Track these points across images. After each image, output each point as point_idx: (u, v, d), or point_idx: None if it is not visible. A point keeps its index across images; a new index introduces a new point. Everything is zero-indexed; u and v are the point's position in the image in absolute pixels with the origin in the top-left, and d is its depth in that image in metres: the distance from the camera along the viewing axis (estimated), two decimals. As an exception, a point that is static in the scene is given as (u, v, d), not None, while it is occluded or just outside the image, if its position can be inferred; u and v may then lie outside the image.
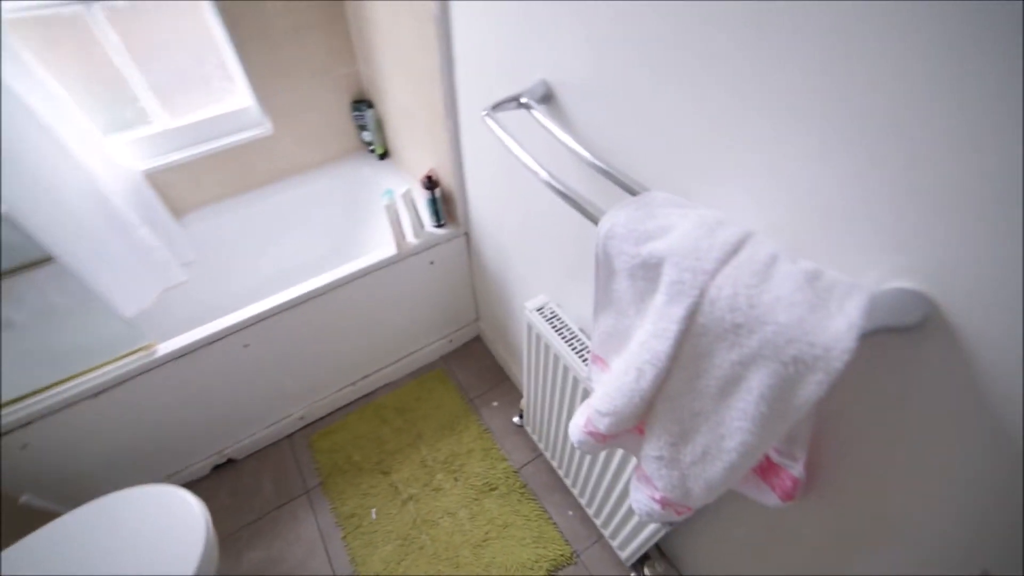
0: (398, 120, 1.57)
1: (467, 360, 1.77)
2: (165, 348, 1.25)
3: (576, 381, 0.97)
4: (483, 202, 1.27)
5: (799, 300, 0.42)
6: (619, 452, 0.97)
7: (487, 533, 1.33)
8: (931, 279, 0.43)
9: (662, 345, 0.50)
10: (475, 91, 1.07)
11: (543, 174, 0.66)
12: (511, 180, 1.07)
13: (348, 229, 1.85)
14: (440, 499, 1.41)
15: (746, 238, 0.48)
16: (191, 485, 1.55)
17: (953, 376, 0.44)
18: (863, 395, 0.52)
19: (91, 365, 1.28)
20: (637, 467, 0.67)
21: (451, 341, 1.78)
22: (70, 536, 1.05)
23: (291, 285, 1.36)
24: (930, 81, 0.37)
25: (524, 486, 1.43)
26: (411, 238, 1.35)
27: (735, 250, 0.47)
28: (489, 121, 0.77)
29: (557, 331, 0.99)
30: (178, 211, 1.64)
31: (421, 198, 1.37)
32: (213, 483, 1.56)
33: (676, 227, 0.51)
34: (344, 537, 1.38)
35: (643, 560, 1.21)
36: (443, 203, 1.38)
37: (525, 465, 1.48)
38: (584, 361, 0.93)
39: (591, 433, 0.66)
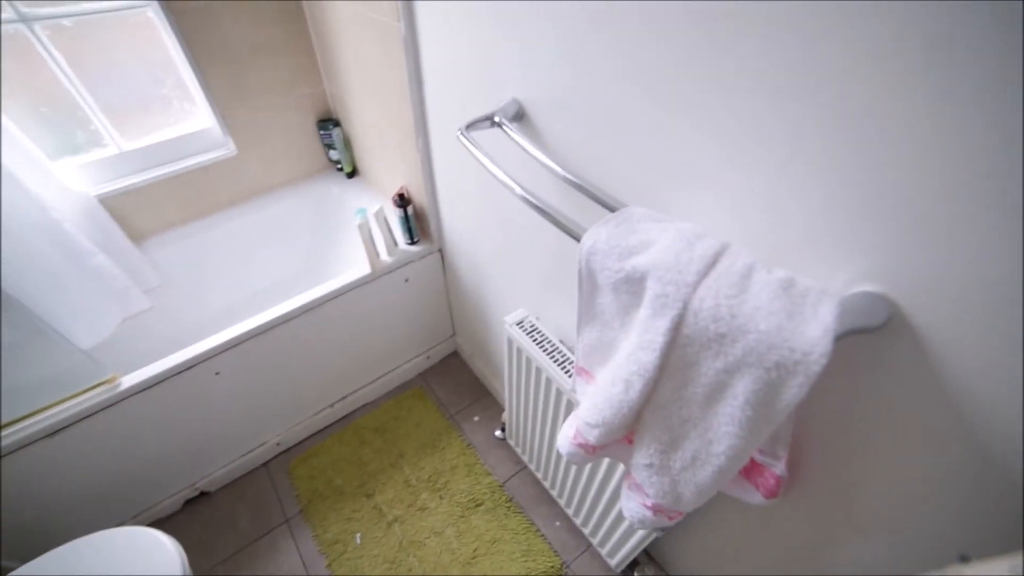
0: (367, 138, 1.56)
1: (445, 376, 1.76)
2: (130, 380, 1.20)
3: (559, 393, 0.98)
4: (457, 218, 1.27)
5: (777, 308, 0.44)
6: (604, 461, 0.98)
7: (476, 550, 1.32)
8: (893, 282, 0.46)
9: (649, 357, 0.52)
10: (445, 108, 1.08)
11: (520, 191, 0.67)
12: (485, 196, 1.08)
13: (318, 249, 1.82)
14: (426, 518, 1.39)
15: (723, 250, 0.50)
16: (162, 522, 1.48)
17: (917, 372, 0.47)
18: (836, 394, 0.55)
19: (46, 403, 1.21)
20: (627, 475, 0.68)
21: (428, 358, 1.77)
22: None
23: (261, 308, 1.33)
24: (886, 89, 0.39)
25: (510, 500, 1.42)
26: (385, 256, 1.34)
27: (713, 262, 0.49)
28: (464, 140, 0.77)
29: (538, 344, 1.00)
30: (138, 236, 1.58)
31: (394, 216, 1.36)
32: (186, 519, 1.49)
33: (656, 242, 0.52)
34: (329, 565, 1.34)
35: (633, 565, 1.23)
36: (416, 220, 1.38)
37: (510, 478, 1.47)
38: (567, 373, 0.94)
39: (581, 445, 0.67)
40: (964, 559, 0.38)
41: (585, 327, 0.64)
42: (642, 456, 0.61)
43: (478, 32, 0.85)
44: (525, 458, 1.41)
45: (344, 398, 1.63)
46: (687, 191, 0.60)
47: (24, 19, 1.22)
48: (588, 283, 0.58)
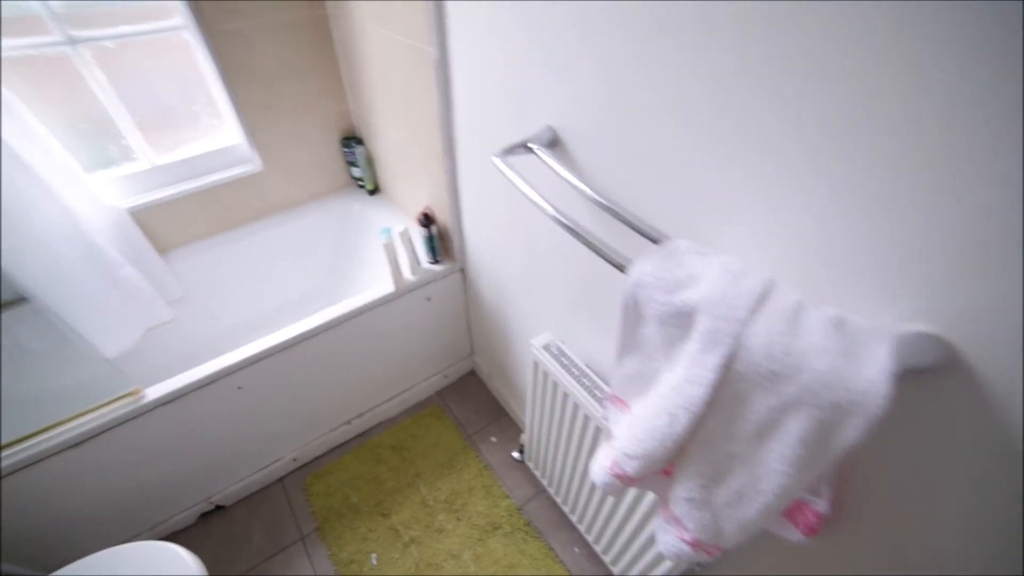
0: (391, 157, 1.58)
1: (463, 395, 1.76)
2: (153, 393, 1.20)
3: (587, 419, 0.97)
4: (481, 239, 1.28)
5: (831, 347, 0.44)
6: (629, 489, 0.97)
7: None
8: (947, 322, 0.45)
9: (697, 391, 0.51)
10: (475, 132, 1.09)
11: (562, 219, 0.68)
12: (513, 219, 1.08)
13: (339, 265, 1.83)
14: (443, 541, 1.38)
15: (770, 286, 0.50)
16: (177, 536, 1.47)
17: (973, 413, 0.46)
18: (886, 432, 0.54)
19: (70, 411, 1.22)
20: (663, 508, 0.67)
21: (446, 376, 1.77)
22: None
23: (281, 322, 1.34)
24: (938, 128, 0.39)
25: (528, 524, 1.40)
26: (408, 275, 1.35)
27: (762, 299, 0.49)
28: (501, 165, 0.78)
29: (565, 369, 1.00)
30: (164, 248, 1.60)
31: (417, 235, 1.37)
32: (201, 532, 1.48)
33: (703, 276, 0.52)
34: (343, 585, 1.33)
35: (653, 595, 1.20)
36: (439, 240, 1.39)
37: (528, 502, 1.46)
38: (596, 399, 0.94)
39: (617, 475, 0.66)
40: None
41: (625, 356, 0.64)
42: (683, 489, 0.60)
43: (512, 59, 0.86)
44: (544, 481, 1.40)
45: (361, 415, 1.63)
46: (727, 223, 0.60)
47: (71, 41, 1.26)
48: (632, 314, 0.58)
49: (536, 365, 1.07)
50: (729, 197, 0.58)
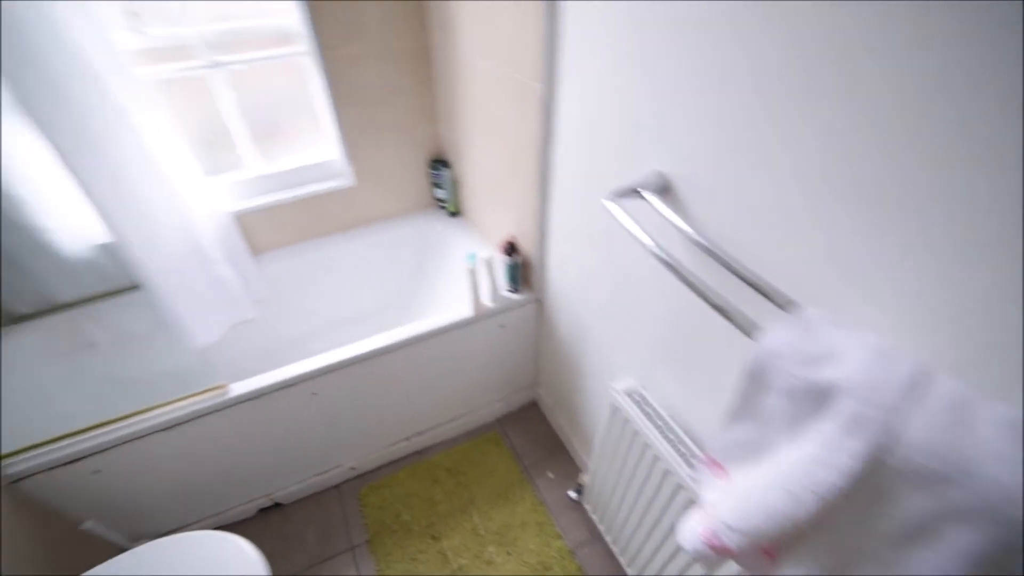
0: (477, 183, 1.61)
1: (523, 425, 1.73)
2: (238, 389, 1.26)
3: (666, 473, 0.93)
4: (564, 273, 1.28)
5: (1010, 453, 0.39)
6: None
7: (540, 618, 1.26)
8: None
9: (831, 476, 0.47)
10: (575, 169, 1.09)
11: (684, 273, 0.66)
12: (605, 257, 1.07)
13: (414, 281, 1.88)
14: (491, 573, 1.34)
15: (924, 373, 0.45)
16: (236, 526, 1.52)
17: None
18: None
19: (162, 395, 1.30)
20: (761, 591, 0.62)
21: (507, 403, 1.76)
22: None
23: (353, 331, 1.37)
24: None
25: (579, 569, 1.35)
26: (487, 301, 1.36)
27: (917, 387, 0.44)
28: (614, 209, 0.77)
29: (648, 418, 0.96)
30: (257, 250, 1.70)
31: (499, 262, 1.39)
32: (258, 526, 1.53)
33: (845, 354, 0.49)
34: (389, 604, 1.32)
35: (713, 671, 1.11)
36: (520, 269, 1.39)
37: (582, 546, 1.41)
38: (680, 455, 0.89)
39: (713, 546, 0.62)
40: None
41: (737, 422, 0.60)
42: (793, 578, 0.55)
43: (624, 101, 0.86)
44: (602, 528, 1.34)
45: (421, 433, 1.64)
46: (869, 296, 0.56)
47: (213, 65, 1.39)
48: (757, 382, 0.55)
49: (615, 410, 1.04)
50: (875, 267, 0.54)
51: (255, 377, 1.29)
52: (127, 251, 1.32)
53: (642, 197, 0.81)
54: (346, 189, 1.72)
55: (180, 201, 1.40)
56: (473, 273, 1.26)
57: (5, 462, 1.12)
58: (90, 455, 1.17)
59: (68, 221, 1.45)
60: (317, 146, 1.70)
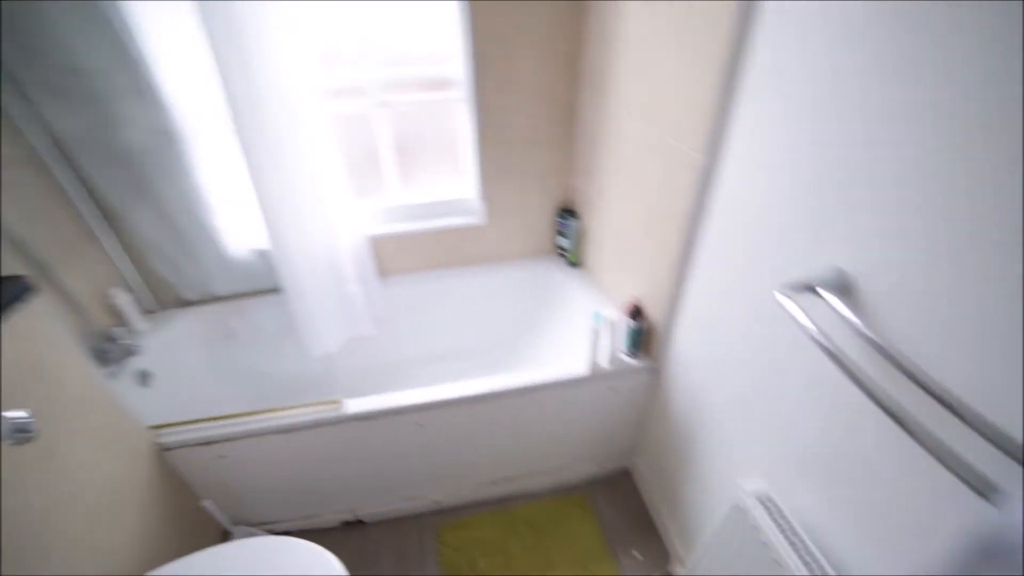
0: (605, 238, 1.60)
1: (613, 494, 1.64)
2: (352, 407, 1.31)
3: (799, 601, 0.81)
4: (693, 348, 1.20)
5: None
6: None
7: None
8: None
9: None
10: (726, 248, 1.03)
11: (888, 405, 0.58)
12: (748, 345, 0.99)
13: (525, 325, 1.89)
14: (564, 652, 1.26)
15: None
16: (319, 534, 1.57)
17: None
18: None
19: (283, 392, 1.39)
20: None
21: (600, 467, 1.68)
22: (221, 568, 1.07)
23: (457, 364, 1.38)
24: None
25: (661, 674, 1.22)
26: (604, 363, 1.32)
27: None
28: (787, 303, 0.71)
29: (781, 530, 0.86)
30: (384, 272, 1.80)
31: (622, 325, 1.34)
32: (338, 537, 1.56)
33: None
34: (454, 656, 1.28)
35: None
36: (643, 335, 1.34)
37: (667, 647, 1.28)
38: (822, 588, 0.78)
39: None
40: None
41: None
42: None
43: (804, 184, 0.80)
44: (694, 634, 1.21)
45: (509, 479, 1.61)
46: None
47: (381, 105, 1.53)
48: (991, 561, 0.46)
49: (739, 511, 0.94)
50: None
51: (368, 398, 1.34)
52: (277, 258, 1.45)
53: (818, 294, 0.73)
54: (476, 227, 1.79)
55: (330, 220, 1.53)
56: (596, 333, 1.23)
57: (161, 431, 1.25)
58: (219, 441, 1.28)
59: (238, 226, 1.64)
60: (455, 183, 1.79)
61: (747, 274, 0.97)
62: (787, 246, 0.85)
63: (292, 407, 1.32)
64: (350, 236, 1.62)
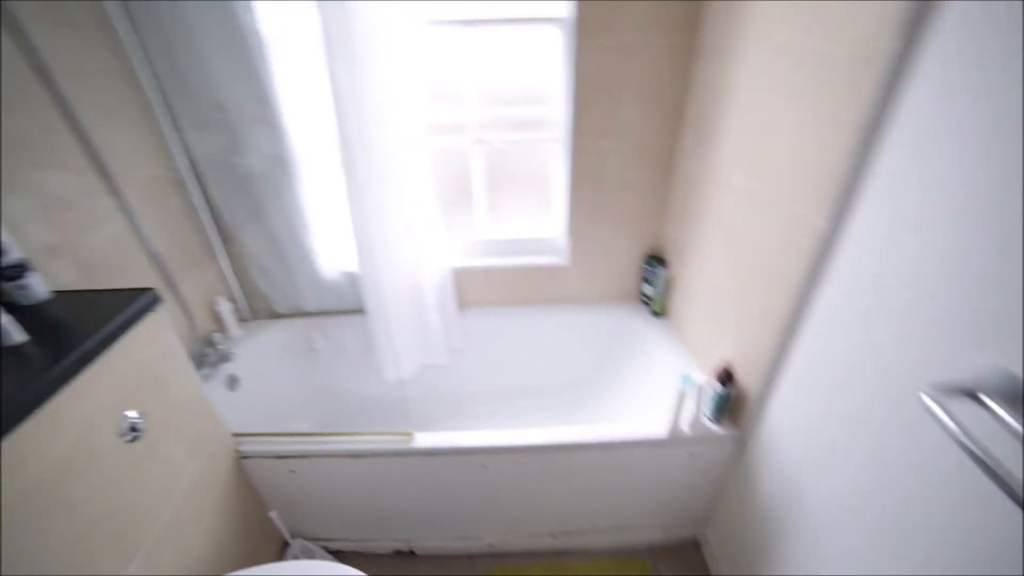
0: (696, 292, 1.51)
1: (677, 564, 1.51)
2: (420, 442, 1.31)
3: None
4: (790, 427, 1.09)
5: None
6: None
7: None
8: None
9: None
10: (846, 325, 0.93)
11: None
12: (870, 440, 0.87)
13: (600, 372, 1.83)
14: None
15: None
16: (371, 558, 1.57)
17: None
18: None
19: (355, 412, 1.40)
20: None
21: (665, 533, 1.55)
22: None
23: (527, 402, 1.31)
24: None
25: None
26: (685, 428, 1.23)
27: None
28: (938, 412, 0.61)
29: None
30: (464, 304, 1.81)
31: (708, 388, 1.25)
32: (389, 566, 1.55)
33: None
34: None
35: None
36: (731, 402, 1.24)
37: None
38: None
39: None
40: None
41: None
42: None
43: (961, 264, 0.69)
44: None
45: (568, 533, 1.53)
46: None
47: (479, 142, 1.57)
48: None
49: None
50: None
51: (437, 434, 1.33)
52: (364, 281, 1.50)
53: (980, 402, 0.63)
54: (559, 267, 1.77)
55: (418, 249, 1.56)
56: (682, 396, 1.15)
57: (242, 439, 1.31)
58: (292, 456, 1.31)
59: (332, 248, 1.72)
60: (542, 221, 1.78)
61: (874, 360, 0.86)
62: (935, 336, 0.74)
63: (364, 433, 1.34)
64: (435, 266, 1.65)
